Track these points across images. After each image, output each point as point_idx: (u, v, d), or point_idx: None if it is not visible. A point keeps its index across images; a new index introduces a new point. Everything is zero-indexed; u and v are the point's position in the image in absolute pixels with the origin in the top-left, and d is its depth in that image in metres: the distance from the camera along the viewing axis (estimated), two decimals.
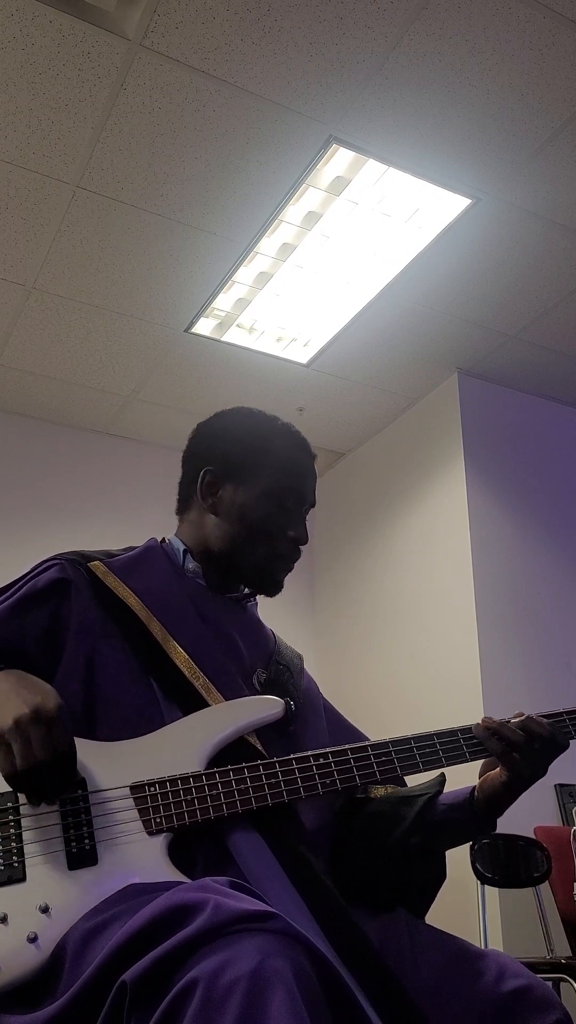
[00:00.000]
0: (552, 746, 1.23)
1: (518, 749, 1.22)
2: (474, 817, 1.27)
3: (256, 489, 1.37)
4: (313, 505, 1.43)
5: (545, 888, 3.19)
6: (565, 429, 4.37)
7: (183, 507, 1.45)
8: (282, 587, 1.41)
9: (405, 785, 1.36)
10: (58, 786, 1.11)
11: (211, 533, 1.39)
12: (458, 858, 3.01)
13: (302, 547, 1.40)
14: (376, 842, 1.28)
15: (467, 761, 1.26)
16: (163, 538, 1.46)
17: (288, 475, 1.38)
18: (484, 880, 3.03)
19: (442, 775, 1.33)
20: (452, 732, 1.26)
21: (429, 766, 1.23)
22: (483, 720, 1.25)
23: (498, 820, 1.27)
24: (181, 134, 2.82)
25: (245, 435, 1.42)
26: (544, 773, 1.25)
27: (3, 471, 4.27)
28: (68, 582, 1.30)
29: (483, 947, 1.31)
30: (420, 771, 1.24)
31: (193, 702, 1.22)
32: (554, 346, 3.93)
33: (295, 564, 1.41)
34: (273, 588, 1.41)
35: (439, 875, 1.33)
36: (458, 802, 1.28)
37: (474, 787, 1.29)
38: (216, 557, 1.39)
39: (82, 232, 3.21)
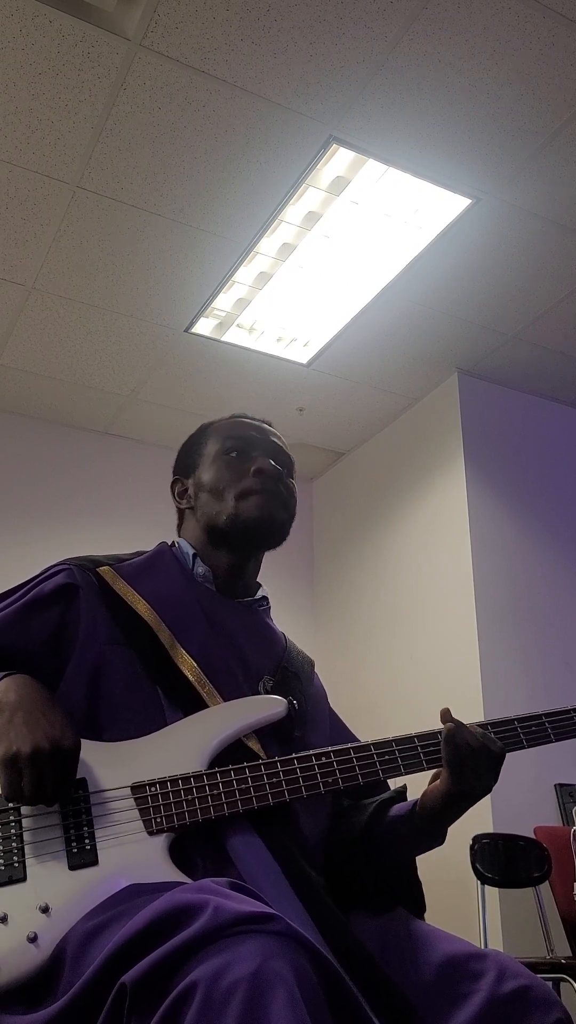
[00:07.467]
0: (485, 756, 1.19)
1: (470, 756, 1.19)
2: (413, 830, 1.24)
3: (205, 466, 1.44)
4: (277, 456, 1.42)
5: (545, 888, 3.18)
6: (565, 429, 4.37)
7: (179, 523, 1.49)
8: (277, 528, 1.38)
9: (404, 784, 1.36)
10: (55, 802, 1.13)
11: (198, 524, 1.42)
12: (458, 858, 3.05)
13: (273, 475, 1.38)
14: (345, 847, 1.28)
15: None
16: (172, 541, 1.47)
17: (223, 438, 1.44)
18: (484, 880, 3.02)
19: (403, 785, 1.31)
20: None
21: (433, 764, 1.23)
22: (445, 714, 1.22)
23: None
24: (181, 134, 2.82)
25: (190, 436, 1.52)
26: (486, 788, 1.21)
27: (3, 471, 4.27)
28: (76, 587, 1.30)
29: (483, 947, 1.30)
30: (424, 769, 1.24)
31: (198, 709, 1.22)
32: (554, 346, 3.93)
33: (280, 505, 1.38)
34: (262, 528, 1.37)
35: (411, 879, 1.30)
36: (402, 814, 1.26)
37: (416, 800, 1.26)
38: (209, 534, 1.40)
39: (82, 232, 3.21)
